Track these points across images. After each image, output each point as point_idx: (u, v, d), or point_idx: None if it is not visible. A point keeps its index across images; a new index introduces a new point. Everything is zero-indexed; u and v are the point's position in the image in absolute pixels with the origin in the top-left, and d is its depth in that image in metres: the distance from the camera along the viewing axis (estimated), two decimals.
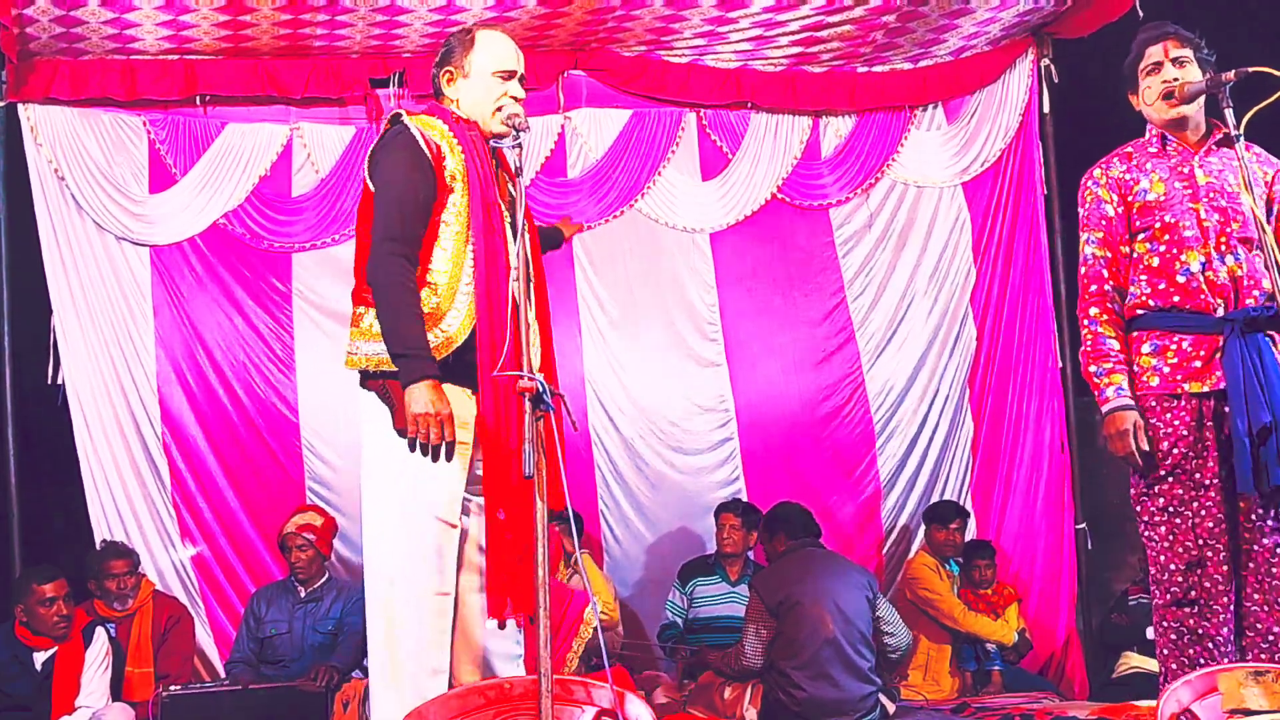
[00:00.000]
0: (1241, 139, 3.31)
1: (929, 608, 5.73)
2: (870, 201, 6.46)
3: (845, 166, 6.44)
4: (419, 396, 2.98)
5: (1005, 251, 6.42)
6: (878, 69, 6.36)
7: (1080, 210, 3.61)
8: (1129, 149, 3.58)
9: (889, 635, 4.92)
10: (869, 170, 6.43)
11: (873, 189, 6.45)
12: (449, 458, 3.04)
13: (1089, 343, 3.48)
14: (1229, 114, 3.33)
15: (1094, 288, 3.50)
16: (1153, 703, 3.11)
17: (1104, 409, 3.41)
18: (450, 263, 3.11)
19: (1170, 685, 2.89)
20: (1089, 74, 6.27)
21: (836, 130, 6.47)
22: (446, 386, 3.07)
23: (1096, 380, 3.45)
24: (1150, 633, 4.66)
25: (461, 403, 3.09)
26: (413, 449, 3.02)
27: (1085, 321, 3.51)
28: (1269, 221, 3.42)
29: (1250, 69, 3.31)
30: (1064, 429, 6.28)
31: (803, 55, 6.17)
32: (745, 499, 6.10)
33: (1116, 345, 3.44)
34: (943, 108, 6.49)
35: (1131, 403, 3.39)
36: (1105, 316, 3.47)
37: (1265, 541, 3.35)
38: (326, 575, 5.41)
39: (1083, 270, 3.55)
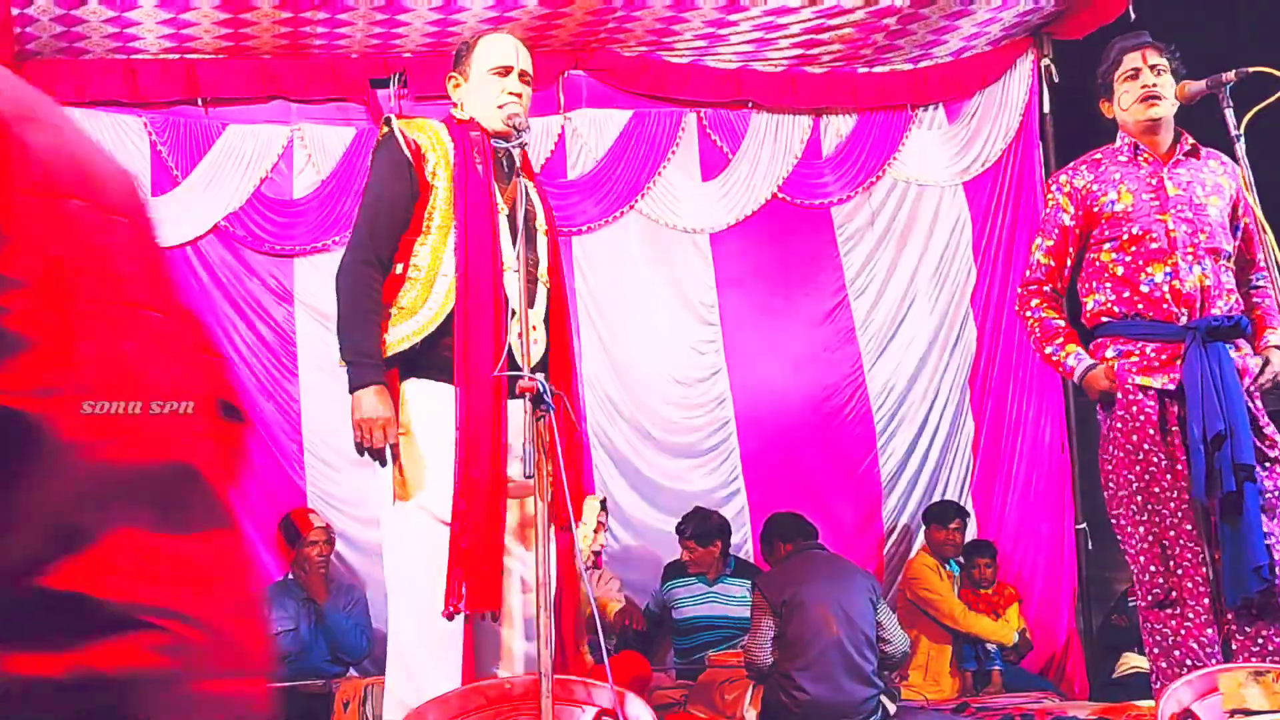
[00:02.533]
0: (1242, 139, 3.32)
1: (929, 608, 5.74)
2: (872, 200, 6.46)
3: (846, 165, 6.44)
4: (362, 402, 3.02)
5: (1006, 252, 6.43)
6: (878, 69, 6.37)
7: (1042, 211, 3.69)
8: (1099, 155, 3.63)
9: (886, 643, 4.92)
10: (870, 169, 6.43)
11: (874, 187, 6.45)
12: (394, 460, 3.07)
13: (1036, 329, 3.65)
14: (1229, 114, 3.33)
15: (1033, 286, 3.68)
16: (1153, 703, 3.11)
17: (1074, 378, 3.56)
18: (431, 255, 3.12)
19: (1170, 685, 2.89)
20: (1089, 74, 6.26)
21: (837, 130, 6.47)
22: (433, 385, 3.09)
23: (1055, 357, 3.61)
24: None
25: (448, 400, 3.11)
26: (360, 453, 3.07)
27: (1027, 313, 3.68)
28: (1233, 237, 3.51)
29: (1250, 69, 3.31)
30: (1064, 429, 6.28)
31: (803, 57, 6.18)
32: (744, 500, 6.12)
33: (1062, 323, 3.61)
34: (944, 108, 6.49)
35: (1095, 361, 3.53)
36: (1046, 304, 3.64)
37: None
38: (324, 573, 5.43)
39: (1027, 272, 3.74)
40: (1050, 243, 3.62)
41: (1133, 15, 5.51)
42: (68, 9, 5.15)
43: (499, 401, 3.02)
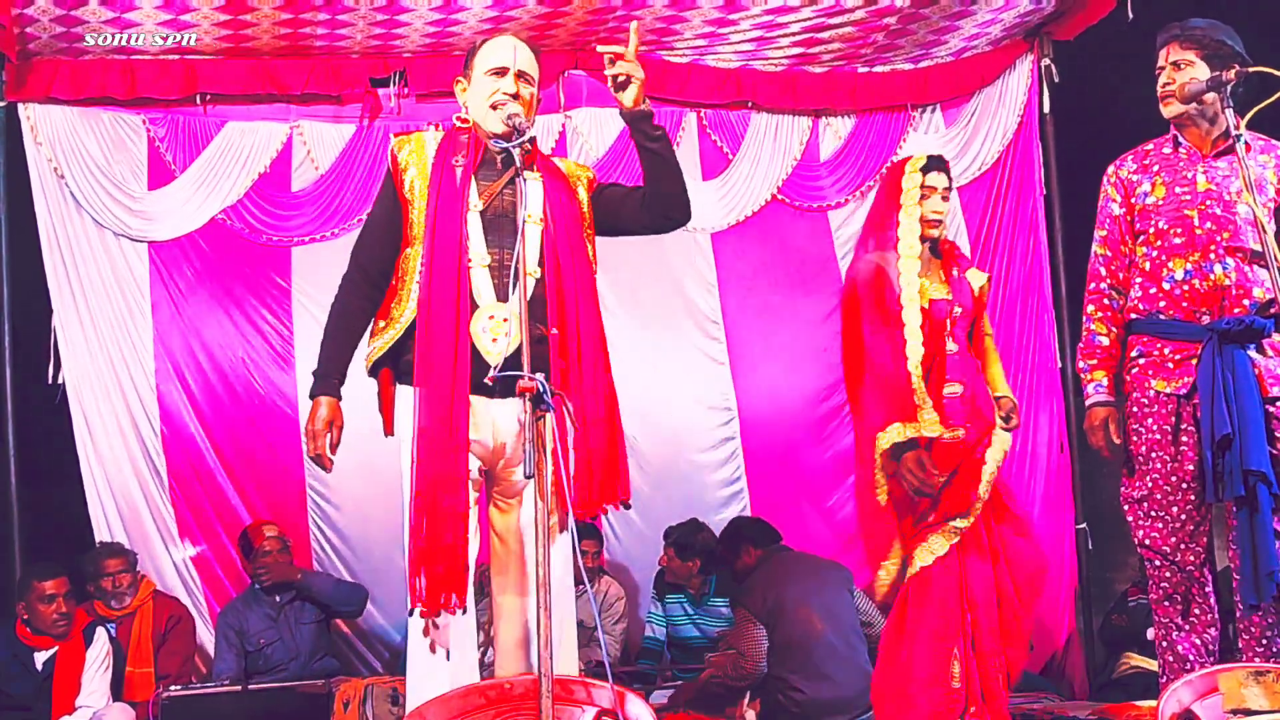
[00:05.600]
0: (1243, 139, 3.30)
1: None
2: (868, 204, 6.45)
3: (844, 169, 6.44)
4: (310, 412, 3.17)
5: (1005, 252, 6.42)
6: (878, 69, 6.36)
7: (1098, 205, 3.66)
8: (1149, 146, 3.59)
9: (869, 626, 4.97)
10: (867, 173, 6.43)
11: (870, 191, 6.45)
12: (328, 467, 3.19)
13: (1083, 339, 3.62)
14: (1229, 114, 3.32)
15: (1092, 285, 3.60)
16: (1153, 703, 3.11)
17: (1086, 404, 3.52)
18: (412, 264, 3.15)
19: (1171, 685, 2.89)
20: (1089, 74, 6.27)
21: (836, 132, 6.47)
22: (407, 389, 3.10)
23: (1083, 376, 3.59)
24: (1150, 633, 4.67)
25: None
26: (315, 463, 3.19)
27: (1084, 318, 3.63)
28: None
29: (1250, 68, 3.31)
30: (1064, 429, 6.28)
31: (804, 56, 6.17)
32: (747, 498, 6.13)
33: (1106, 342, 3.54)
34: (941, 111, 6.48)
35: (1106, 399, 3.51)
36: (1100, 314, 3.57)
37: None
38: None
39: (1089, 267, 3.62)
40: (1104, 233, 3.59)
41: (1130, 14, 5.50)
42: (68, 9, 5.15)
43: (455, 398, 3.00)
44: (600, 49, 3.31)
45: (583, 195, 3.34)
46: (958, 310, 3.76)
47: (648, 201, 3.35)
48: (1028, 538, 3.78)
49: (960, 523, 3.65)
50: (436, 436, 2.99)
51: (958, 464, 3.67)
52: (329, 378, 3.19)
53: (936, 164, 3.84)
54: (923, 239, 3.76)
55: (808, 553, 5.26)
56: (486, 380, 3.00)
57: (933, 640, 3.67)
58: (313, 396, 3.18)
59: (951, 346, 3.72)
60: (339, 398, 3.18)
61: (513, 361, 2.98)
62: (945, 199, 3.80)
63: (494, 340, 3.04)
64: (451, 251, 3.08)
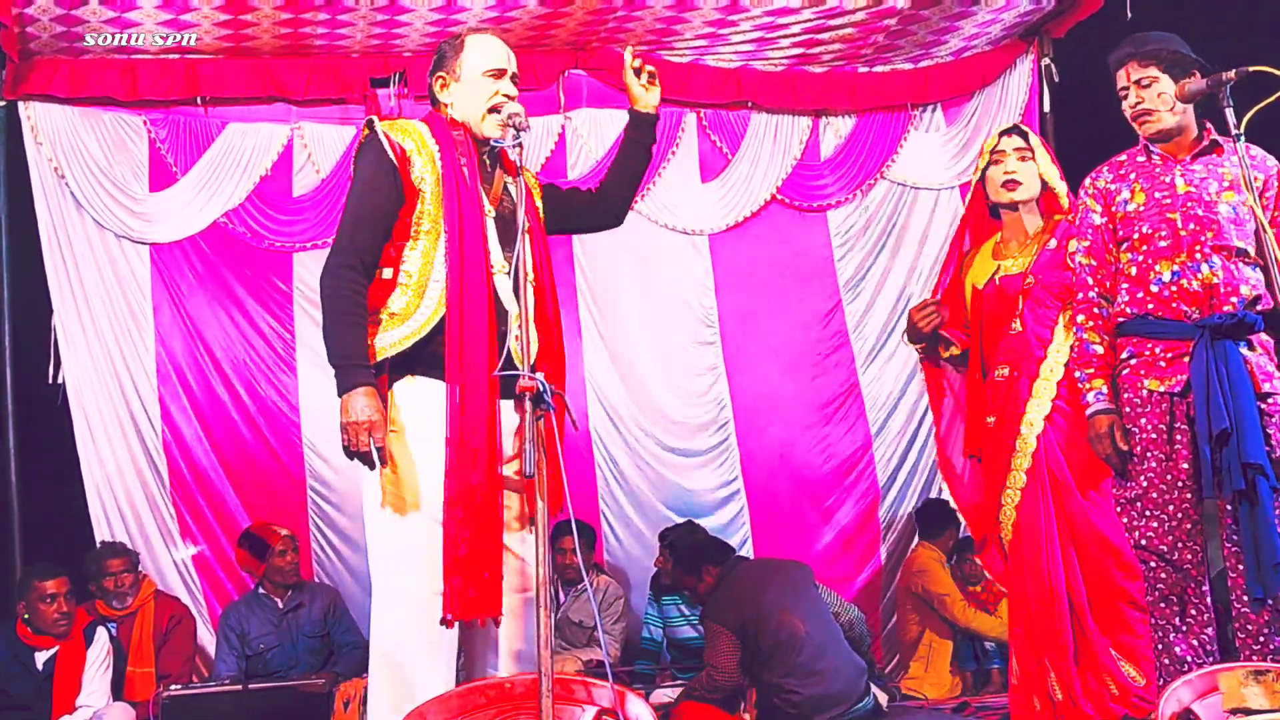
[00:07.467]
0: (1242, 138, 3.31)
1: (935, 602, 5.74)
2: (867, 204, 6.46)
3: (844, 168, 6.44)
4: (348, 405, 2.99)
5: None
6: (879, 69, 6.36)
7: (1075, 218, 3.67)
8: (1122, 157, 3.63)
9: (838, 615, 5.01)
10: (868, 172, 6.44)
11: (870, 191, 6.46)
12: (382, 463, 3.02)
13: (1075, 349, 3.61)
14: (1229, 113, 3.33)
15: (1080, 295, 3.62)
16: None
17: (1086, 414, 3.50)
18: (421, 260, 3.12)
19: (1171, 685, 2.89)
20: (1089, 74, 6.26)
21: (836, 131, 6.48)
22: (423, 381, 3.08)
23: (1080, 385, 3.57)
24: None
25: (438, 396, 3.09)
26: (349, 457, 3.03)
27: (1073, 328, 3.63)
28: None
29: (1250, 68, 3.31)
30: None
31: (804, 56, 6.17)
32: (744, 499, 6.13)
33: (1100, 350, 3.55)
34: (942, 110, 6.49)
35: (1109, 406, 3.50)
36: (1091, 323, 3.58)
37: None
38: (296, 580, 5.45)
39: (1072, 279, 3.63)
40: (1086, 243, 3.60)
41: (1129, 14, 5.50)
42: (68, 8, 5.15)
43: (493, 404, 3.02)
44: (628, 52, 3.42)
45: (539, 201, 3.38)
46: (1030, 281, 3.74)
47: (604, 199, 3.53)
48: (1116, 564, 3.58)
49: (1001, 516, 3.73)
50: (476, 443, 2.99)
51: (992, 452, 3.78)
52: (362, 367, 3.03)
53: (1010, 130, 3.98)
54: (1004, 205, 3.86)
55: (763, 558, 5.26)
56: (487, 378, 3.01)
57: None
58: (346, 389, 3.00)
59: (1016, 326, 3.75)
60: (376, 386, 3.04)
61: (535, 366, 3.01)
62: (1023, 159, 3.86)
63: (528, 343, 3.02)
64: (479, 257, 3.09)
